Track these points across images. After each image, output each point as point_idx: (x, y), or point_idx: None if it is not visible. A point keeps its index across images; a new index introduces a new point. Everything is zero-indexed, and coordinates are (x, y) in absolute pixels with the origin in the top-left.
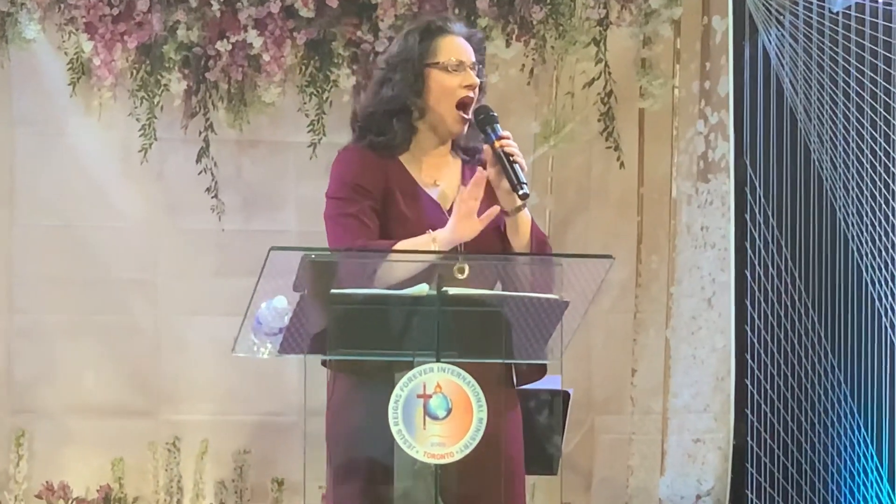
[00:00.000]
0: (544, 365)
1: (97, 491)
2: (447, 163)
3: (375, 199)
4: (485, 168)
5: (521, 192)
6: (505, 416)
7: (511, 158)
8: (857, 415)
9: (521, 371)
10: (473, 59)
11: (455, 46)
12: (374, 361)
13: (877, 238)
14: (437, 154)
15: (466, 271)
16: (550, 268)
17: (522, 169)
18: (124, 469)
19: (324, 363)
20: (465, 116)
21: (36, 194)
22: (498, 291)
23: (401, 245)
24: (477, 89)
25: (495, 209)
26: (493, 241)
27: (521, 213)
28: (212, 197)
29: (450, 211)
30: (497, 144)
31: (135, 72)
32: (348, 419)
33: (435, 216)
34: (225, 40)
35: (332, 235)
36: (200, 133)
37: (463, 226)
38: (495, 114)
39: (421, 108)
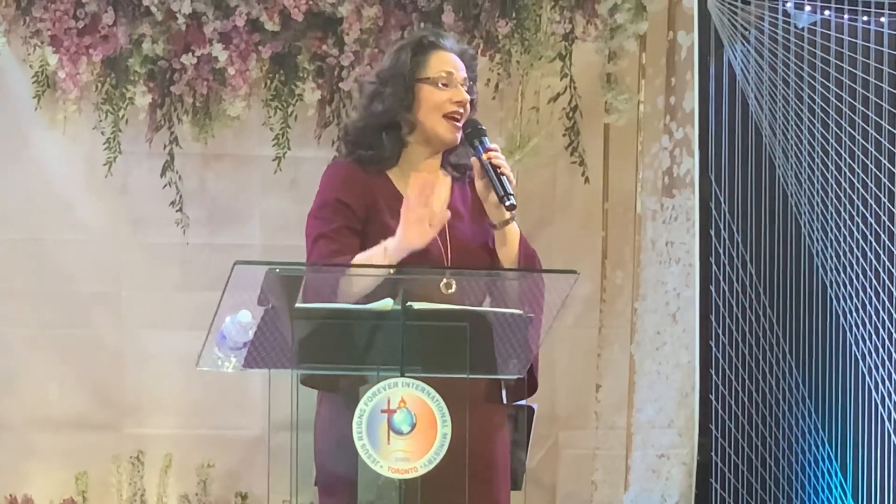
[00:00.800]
0: (535, 382)
1: None
2: (437, 179)
3: (356, 217)
4: (473, 184)
5: (507, 204)
6: (491, 434)
7: (499, 171)
8: (821, 431)
9: (510, 388)
10: (464, 76)
11: (446, 61)
12: (353, 377)
13: (842, 254)
14: (426, 169)
15: (454, 287)
16: (539, 283)
17: (510, 181)
18: (88, 483)
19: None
20: (458, 125)
21: None
22: (462, 306)
23: (356, 259)
24: (468, 105)
25: (446, 214)
26: (481, 255)
27: (509, 227)
28: (176, 210)
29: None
30: (485, 157)
31: (100, 85)
32: (334, 434)
33: None
34: (190, 54)
35: (309, 254)
36: (165, 146)
37: (411, 233)
38: (483, 127)
39: (411, 123)
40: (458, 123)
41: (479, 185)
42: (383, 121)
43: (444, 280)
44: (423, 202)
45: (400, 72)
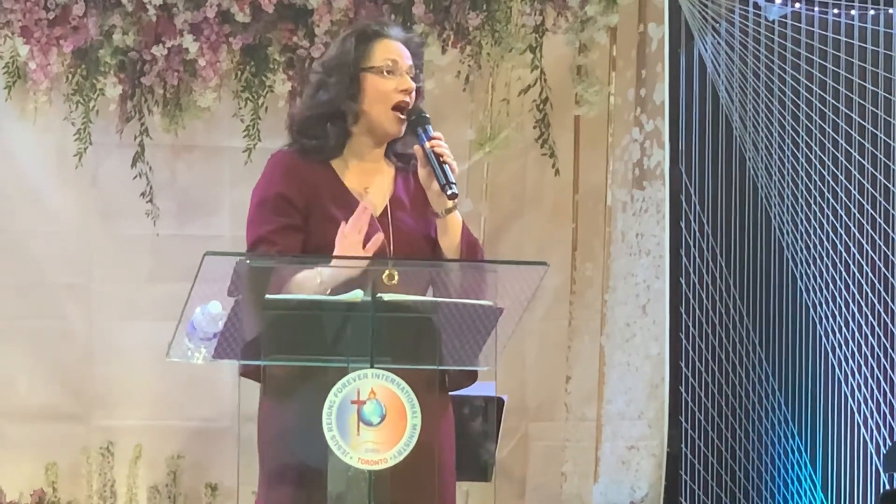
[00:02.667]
0: (475, 371)
1: (31, 495)
2: (380, 169)
3: (298, 211)
4: (417, 173)
5: (449, 192)
6: (437, 422)
7: (441, 159)
8: (791, 422)
9: (451, 376)
10: (410, 63)
11: (391, 50)
12: (297, 368)
13: (811, 246)
14: (370, 159)
15: (396, 278)
16: (483, 272)
17: (453, 170)
18: (58, 473)
19: (244, 374)
20: (402, 117)
21: None
22: (433, 298)
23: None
24: (413, 94)
25: (379, 237)
26: (423, 246)
27: (451, 216)
28: (146, 201)
29: (380, 219)
30: (428, 145)
31: (70, 76)
32: (278, 423)
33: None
34: (161, 45)
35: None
36: (136, 137)
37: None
38: (427, 115)
39: (355, 113)
40: (402, 115)
41: (421, 173)
42: (328, 110)
43: (387, 271)
44: (358, 229)
45: (345, 61)
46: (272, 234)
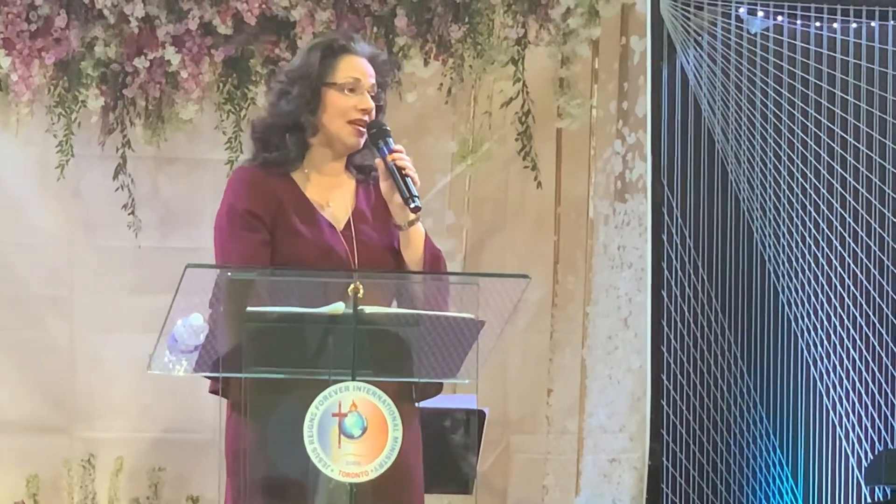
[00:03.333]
0: (440, 383)
1: None
2: (341, 182)
3: (265, 227)
4: (378, 185)
5: (412, 206)
6: (408, 435)
7: (403, 172)
8: (772, 435)
9: (418, 387)
10: (373, 82)
11: (355, 67)
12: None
13: (793, 259)
14: (330, 172)
15: (361, 292)
16: (445, 283)
17: (415, 182)
18: (39, 485)
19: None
20: (361, 129)
21: None
22: (414, 311)
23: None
24: (373, 112)
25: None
26: (387, 258)
27: (413, 228)
28: (128, 213)
29: (344, 233)
30: (389, 158)
31: (52, 88)
32: (251, 437)
33: (330, 236)
34: (143, 57)
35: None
36: (118, 149)
37: None
38: (388, 128)
39: (314, 126)
40: (361, 129)
41: (383, 186)
42: (288, 122)
43: (352, 285)
44: None
45: (307, 73)
46: (244, 248)
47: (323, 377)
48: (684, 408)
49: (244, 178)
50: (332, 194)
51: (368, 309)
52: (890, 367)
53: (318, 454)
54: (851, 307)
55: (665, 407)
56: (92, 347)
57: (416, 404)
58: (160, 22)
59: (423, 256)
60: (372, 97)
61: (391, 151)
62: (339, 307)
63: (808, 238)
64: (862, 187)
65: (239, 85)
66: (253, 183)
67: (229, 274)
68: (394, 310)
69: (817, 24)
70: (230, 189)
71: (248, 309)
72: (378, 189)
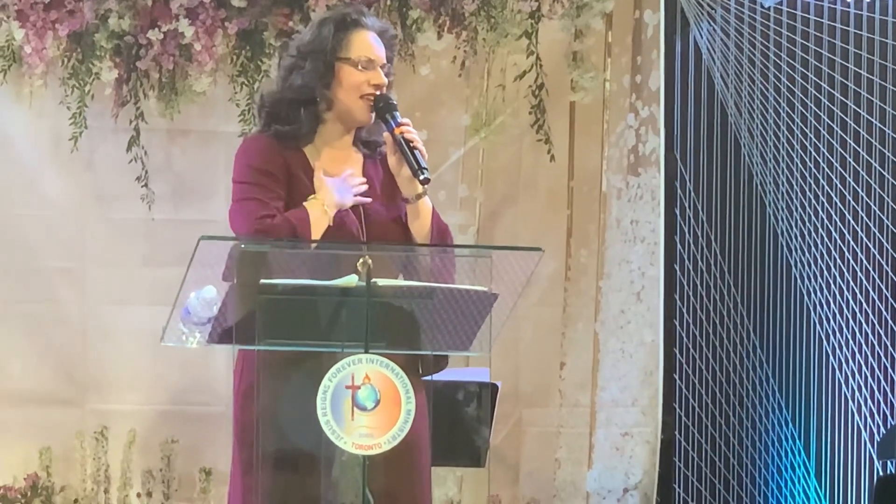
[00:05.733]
0: (446, 356)
1: (24, 479)
2: (349, 156)
3: (280, 184)
4: (385, 160)
5: (422, 178)
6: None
7: (411, 144)
8: (785, 410)
9: (425, 361)
10: (384, 60)
11: (367, 44)
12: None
13: (806, 234)
14: (340, 146)
15: (370, 266)
16: (451, 256)
17: (423, 155)
18: (52, 458)
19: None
20: (371, 104)
21: None
22: (427, 283)
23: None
24: (384, 88)
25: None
26: (395, 231)
27: (421, 201)
28: (142, 186)
29: (353, 207)
30: (397, 131)
31: (66, 60)
32: (263, 407)
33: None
34: (156, 29)
35: (234, 217)
36: (131, 122)
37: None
38: (395, 101)
39: (328, 100)
40: (371, 103)
41: (391, 160)
42: (301, 96)
43: (361, 259)
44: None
45: (321, 48)
46: (260, 196)
47: (336, 349)
48: (697, 382)
49: (259, 144)
50: (341, 168)
51: (381, 282)
52: None
53: (331, 426)
54: (864, 281)
55: (678, 381)
56: (104, 320)
57: (424, 378)
58: None
59: (430, 230)
60: (384, 74)
61: (398, 125)
62: (352, 280)
63: (820, 212)
64: (875, 161)
65: (252, 57)
66: (268, 149)
67: (242, 246)
68: (407, 282)
69: None
70: (242, 153)
71: (262, 281)
72: (385, 164)
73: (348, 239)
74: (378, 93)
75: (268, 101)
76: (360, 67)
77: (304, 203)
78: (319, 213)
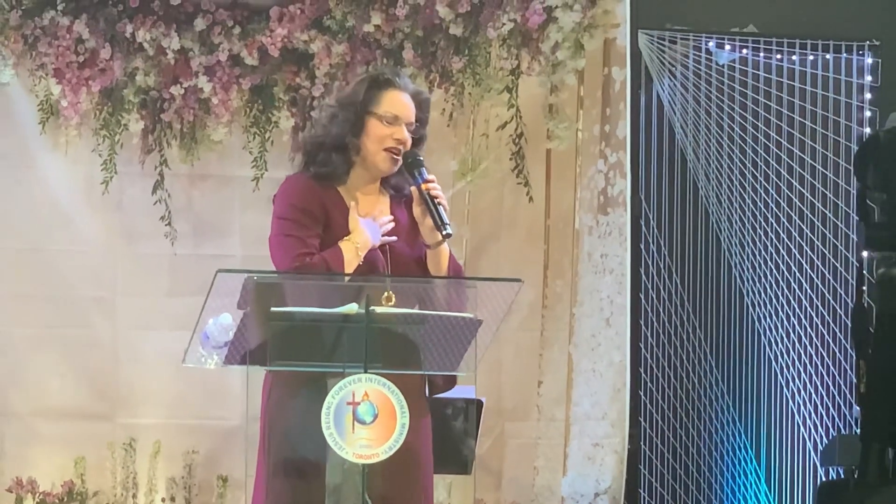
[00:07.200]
0: (455, 377)
1: (61, 486)
2: (378, 200)
3: (318, 223)
4: (411, 203)
5: (444, 233)
6: (419, 425)
7: (436, 201)
8: (738, 422)
9: (435, 383)
10: (412, 118)
11: (396, 102)
12: (301, 374)
13: (757, 266)
14: (368, 190)
15: (393, 299)
16: (463, 291)
17: (445, 210)
18: (86, 466)
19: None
20: (396, 157)
21: (8, 220)
22: (419, 311)
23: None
24: (408, 143)
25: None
26: (415, 268)
27: (440, 247)
28: (165, 224)
29: (381, 245)
30: (424, 187)
31: (98, 112)
32: (283, 421)
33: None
34: (178, 85)
35: (275, 251)
36: (156, 167)
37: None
38: (422, 158)
39: (357, 148)
40: (395, 157)
41: (416, 210)
42: (336, 142)
43: (385, 294)
44: (380, 223)
45: (354, 101)
46: (299, 235)
47: (338, 370)
48: (660, 398)
49: (300, 184)
50: (371, 209)
51: (379, 309)
52: (842, 361)
53: (334, 438)
54: (808, 308)
55: (643, 397)
56: (132, 343)
57: (434, 395)
58: (194, 54)
59: (447, 271)
60: (410, 130)
61: (425, 181)
62: (352, 307)
63: (769, 247)
64: (818, 201)
65: (264, 110)
66: (308, 188)
67: (255, 278)
68: (401, 310)
69: (778, 56)
70: (286, 191)
71: (272, 309)
72: (410, 206)
73: (375, 272)
74: (402, 147)
75: (308, 144)
76: (385, 122)
77: (339, 243)
78: (352, 254)
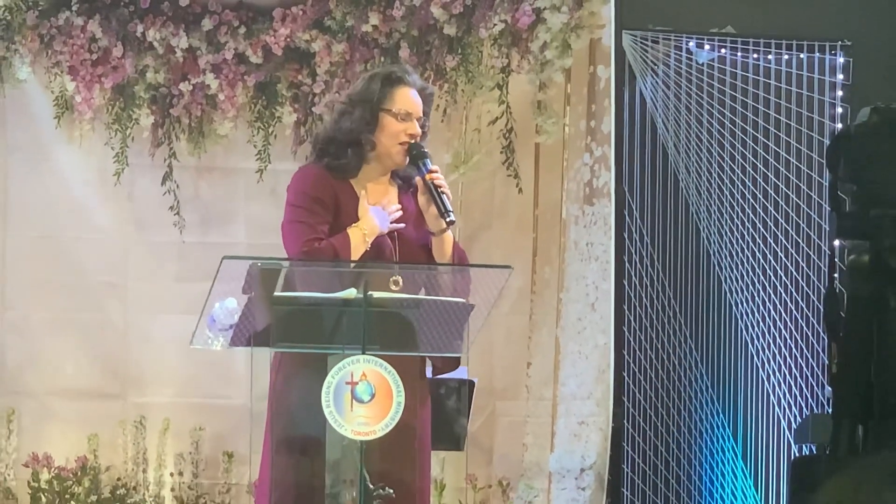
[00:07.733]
0: (457, 359)
1: (75, 461)
2: (387, 190)
3: (328, 211)
4: (417, 193)
5: (448, 220)
6: (419, 406)
7: (440, 190)
8: (716, 402)
9: (436, 365)
10: (421, 113)
11: (408, 99)
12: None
13: (734, 254)
14: (379, 182)
15: (400, 283)
16: (468, 276)
17: (448, 198)
18: (98, 443)
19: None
20: (407, 150)
21: (26, 210)
22: (415, 295)
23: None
24: (419, 137)
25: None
26: (421, 254)
27: (445, 234)
28: (174, 214)
29: (389, 232)
30: (428, 177)
31: (110, 108)
32: (287, 400)
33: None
34: (186, 82)
35: (286, 237)
36: (165, 160)
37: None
38: (426, 150)
39: (371, 143)
40: (406, 150)
41: (421, 199)
42: (349, 137)
43: (393, 278)
44: (389, 212)
45: (368, 98)
46: (309, 221)
47: (338, 351)
48: (642, 379)
49: (313, 173)
50: (381, 199)
51: (377, 294)
52: (815, 344)
53: (333, 416)
54: (783, 293)
55: (626, 378)
56: (143, 326)
57: (437, 376)
58: (201, 52)
59: (451, 257)
60: (420, 125)
61: (429, 171)
62: (351, 292)
63: (746, 236)
64: (792, 192)
65: (268, 105)
66: (320, 178)
67: (259, 264)
68: (398, 294)
69: (755, 55)
70: (298, 180)
71: (275, 294)
72: (415, 196)
73: (384, 260)
74: (412, 141)
75: (321, 138)
76: (399, 118)
77: (348, 229)
78: (359, 240)
